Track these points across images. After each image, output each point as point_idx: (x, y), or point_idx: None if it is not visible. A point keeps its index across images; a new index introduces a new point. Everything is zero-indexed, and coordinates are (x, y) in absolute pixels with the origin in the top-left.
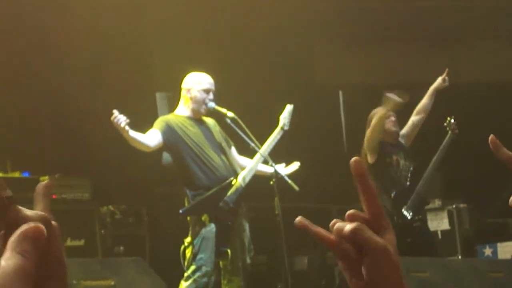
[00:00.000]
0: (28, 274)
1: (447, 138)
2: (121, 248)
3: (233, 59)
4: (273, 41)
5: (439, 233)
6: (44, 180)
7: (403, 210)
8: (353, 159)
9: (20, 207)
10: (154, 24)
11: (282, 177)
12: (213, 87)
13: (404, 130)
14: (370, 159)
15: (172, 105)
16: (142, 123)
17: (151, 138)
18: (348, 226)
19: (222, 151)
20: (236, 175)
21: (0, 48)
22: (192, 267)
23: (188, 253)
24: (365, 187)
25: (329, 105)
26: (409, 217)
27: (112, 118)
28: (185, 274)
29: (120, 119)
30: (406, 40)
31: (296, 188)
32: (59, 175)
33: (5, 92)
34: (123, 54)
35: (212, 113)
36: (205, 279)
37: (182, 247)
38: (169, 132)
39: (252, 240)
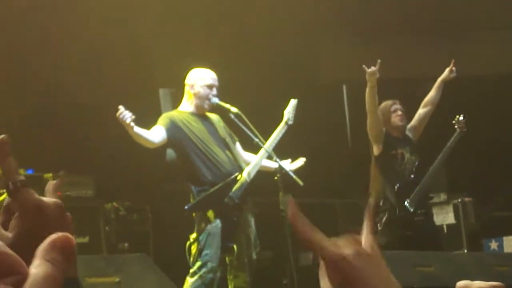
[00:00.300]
0: (57, 281)
1: (455, 135)
2: (126, 244)
3: (236, 54)
4: (276, 37)
5: (444, 227)
6: (48, 178)
7: (405, 203)
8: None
9: (33, 191)
10: (156, 20)
11: (286, 172)
12: (216, 83)
13: (411, 123)
14: (376, 150)
15: (175, 101)
16: (146, 120)
17: (156, 134)
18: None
19: (227, 147)
20: (241, 170)
21: (2, 46)
22: (198, 263)
23: (194, 249)
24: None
25: (333, 100)
26: (411, 211)
27: (117, 114)
28: (191, 270)
29: (126, 115)
30: (411, 33)
31: (301, 183)
32: (63, 173)
33: (8, 89)
34: (126, 51)
35: (216, 108)
36: (210, 275)
37: (188, 243)
38: (174, 128)
39: (257, 236)
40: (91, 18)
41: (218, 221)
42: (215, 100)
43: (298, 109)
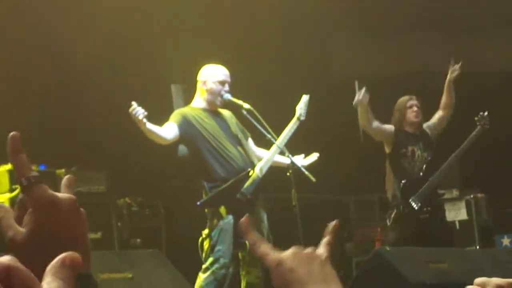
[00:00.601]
0: None
1: (475, 131)
2: (138, 240)
3: (248, 50)
4: (289, 32)
5: (457, 223)
6: (61, 173)
7: (410, 200)
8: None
9: (46, 187)
10: (169, 16)
11: (298, 168)
12: (228, 79)
13: (431, 121)
14: (387, 149)
15: (187, 97)
16: (158, 116)
17: (168, 131)
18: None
19: (239, 143)
20: (253, 166)
21: (15, 41)
22: (210, 259)
23: (206, 245)
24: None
25: (345, 96)
26: (416, 208)
27: (130, 110)
28: (203, 266)
29: (138, 111)
30: (423, 29)
31: (313, 179)
32: (75, 168)
33: (22, 85)
34: (139, 47)
35: (228, 104)
36: (223, 271)
37: (200, 239)
38: (186, 125)
39: (270, 231)
40: (104, 14)
41: (230, 217)
42: (228, 96)
43: (310, 105)
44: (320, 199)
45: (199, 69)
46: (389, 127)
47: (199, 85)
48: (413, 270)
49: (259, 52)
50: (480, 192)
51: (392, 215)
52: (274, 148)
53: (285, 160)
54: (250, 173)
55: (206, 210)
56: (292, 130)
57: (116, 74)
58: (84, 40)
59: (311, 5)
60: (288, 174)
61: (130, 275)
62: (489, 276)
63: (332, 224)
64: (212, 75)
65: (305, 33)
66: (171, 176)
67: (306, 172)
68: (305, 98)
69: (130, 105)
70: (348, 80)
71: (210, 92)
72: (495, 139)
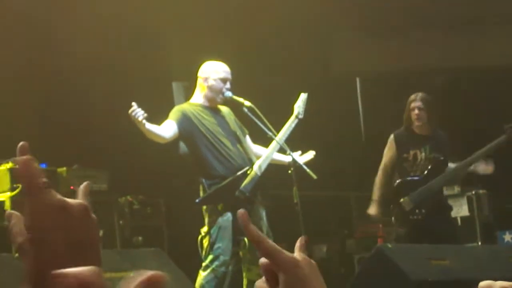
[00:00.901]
0: None
1: (500, 139)
2: (140, 238)
3: (249, 49)
4: (289, 31)
5: (458, 219)
6: (62, 172)
7: (402, 200)
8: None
9: (56, 192)
10: (170, 14)
11: (300, 166)
12: (230, 76)
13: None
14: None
15: (188, 94)
16: (159, 114)
17: (167, 129)
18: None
19: (238, 140)
20: (251, 164)
21: (14, 40)
22: (210, 257)
23: (206, 242)
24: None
25: (346, 93)
26: (407, 209)
27: (130, 111)
28: (203, 264)
29: (138, 112)
30: (423, 26)
31: (314, 176)
32: (76, 167)
33: (23, 85)
34: (139, 45)
35: (228, 102)
36: (223, 268)
37: (199, 237)
38: (185, 122)
39: (270, 229)
40: (104, 13)
41: (229, 214)
42: (229, 93)
43: (311, 103)
44: (322, 196)
45: (200, 65)
46: (390, 149)
47: (199, 81)
48: (414, 267)
49: (259, 51)
50: (482, 188)
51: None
52: (273, 145)
53: (283, 158)
54: (249, 171)
55: (204, 208)
56: (291, 128)
57: (116, 73)
58: (84, 39)
59: (311, 5)
60: (289, 171)
61: (132, 274)
62: (491, 273)
63: (301, 241)
64: (214, 72)
65: (305, 32)
66: (173, 174)
67: (308, 170)
68: (303, 96)
69: (131, 106)
70: (349, 77)
71: (211, 89)
72: (496, 135)
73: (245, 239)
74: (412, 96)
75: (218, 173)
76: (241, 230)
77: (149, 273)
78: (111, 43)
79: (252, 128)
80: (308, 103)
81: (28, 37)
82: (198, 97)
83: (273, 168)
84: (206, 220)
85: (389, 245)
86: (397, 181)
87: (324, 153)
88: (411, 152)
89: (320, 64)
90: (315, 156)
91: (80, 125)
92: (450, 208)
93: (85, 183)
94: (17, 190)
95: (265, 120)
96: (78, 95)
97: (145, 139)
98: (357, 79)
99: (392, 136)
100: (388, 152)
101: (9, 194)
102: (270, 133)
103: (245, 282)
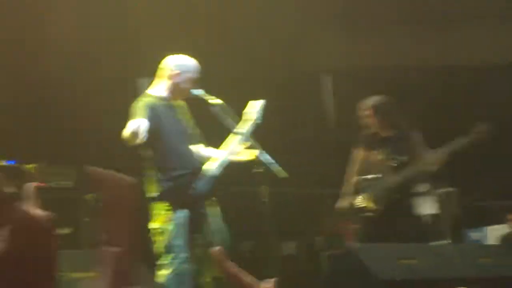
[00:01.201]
0: None
1: (465, 140)
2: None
3: (219, 43)
4: (259, 28)
5: (427, 217)
6: (30, 169)
7: (357, 198)
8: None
9: (24, 207)
10: (142, 12)
11: (268, 165)
12: (199, 74)
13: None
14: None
15: None
16: (127, 110)
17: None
18: None
19: (193, 138)
20: (205, 162)
21: None
22: (170, 255)
23: (162, 240)
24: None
25: (317, 90)
26: (362, 206)
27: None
28: (163, 262)
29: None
30: (396, 23)
31: (284, 175)
32: (44, 163)
33: None
34: (109, 42)
35: (197, 99)
36: (185, 266)
37: (152, 233)
38: (153, 118)
39: (239, 226)
40: (78, 11)
41: (184, 212)
42: (199, 91)
43: (282, 99)
44: (291, 193)
45: (168, 56)
46: (356, 154)
47: (167, 73)
48: (383, 266)
49: (227, 47)
50: (451, 186)
51: None
52: (234, 143)
53: (213, 152)
54: (203, 169)
55: (157, 204)
56: (249, 133)
57: (86, 71)
58: (54, 38)
59: (280, 0)
60: (257, 170)
61: (99, 274)
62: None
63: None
64: (187, 72)
65: (274, 28)
66: (139, 171)
67: (276, 169)
68: (260, 102)
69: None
70: (320, 74)
71: (179, 86)
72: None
73: (201, 236)
74: (361, 104)
75: (176, 170)
76: (195, 228)
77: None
78: (81, 41)
79: (221, 126)
80: (279, 100)
81: (2, 35)
82: (161, 89)
83: (239, 165)
84: (159, 216)
85: (358, 245)
86: (355, 179)
87: (293, 150)
88: (372, 153)
89: (289, 60)
90: (285, 152)
91: (48, 122)
92: (409, 207)
93: (32, 184)
94: None
95: (234, 118)
96: (47, 93)
97: (113, 135)
98: (328, 76)
99: (358, 137)
100: (356, 153)
101: None
102: (239, 131)
103: (206, 279)
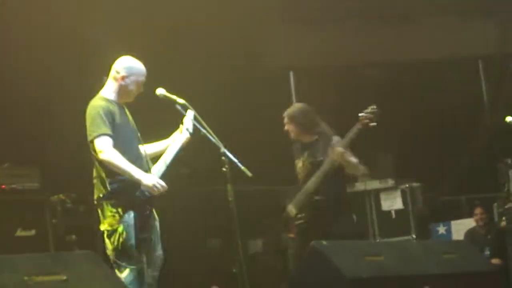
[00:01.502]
0: None
1: (354, 129)
2: (73, 236)
3: (179, 41)
4: (220, 23)
5: (392, 212)
6: None
7: (288, 206)
8: None
9: None
10: (95, 12)
11: (234, 164)
12: (145, 77)
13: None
14: None
15: None
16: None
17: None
18: None
19: (139, 139)
20: (152, 164)
21: None
22: (126, 257)
23: (114, 240)
24: None
25: (280, 87)
26: (291, 215)
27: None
28: (117, 262)
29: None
30: (356, 19)
31: (249, 174)
32: (8, 165)
33: None
34: (65, 45)
35: (162, 99)
36: (140, 265)
37: (104, 234)
38: (111, 122)
39: (205, 224)
40: (34, 13)
41: (132, 213)
42: (162, 91)
43: (245, 96)
44: (258, 190)
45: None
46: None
47: (116, 75)
48: (349, 264)
49: (189, 45)
50: (415, 181)
51: None
52: (172, 150)
53: (159, 146)
54: (149, 172)
55: (105, 206)
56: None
57: (48, 73)
58: (14, 41)
59: None
60: (223, 169)
61: (64, 277)
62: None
63: None
64: (135, 75)
65: (237, 23)
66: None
67: (242, 168)
68: (190, 113)
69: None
70: (282, 72)
71: (127, 89)
72: (427, 128)
73: (149, 237)
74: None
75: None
76: (143, 228)
77: None
78: (41, 43)
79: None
80: (242, 97)
81: None
82: (109, 91)
83: (208, 162)
84: (109, 218)
85: (324, 242)
86: (286, 190)
87: (259, 147)
88: (296, 161)
89: (253, 58)
90: (250, 150)
91: (12, 123)
92: (338, 206)
93: None
94: None
95: (199, 117)
96: (9, 94)
97: (77, 137)
98: (291, 73)
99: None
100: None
101: None
102: (203, 130)
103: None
